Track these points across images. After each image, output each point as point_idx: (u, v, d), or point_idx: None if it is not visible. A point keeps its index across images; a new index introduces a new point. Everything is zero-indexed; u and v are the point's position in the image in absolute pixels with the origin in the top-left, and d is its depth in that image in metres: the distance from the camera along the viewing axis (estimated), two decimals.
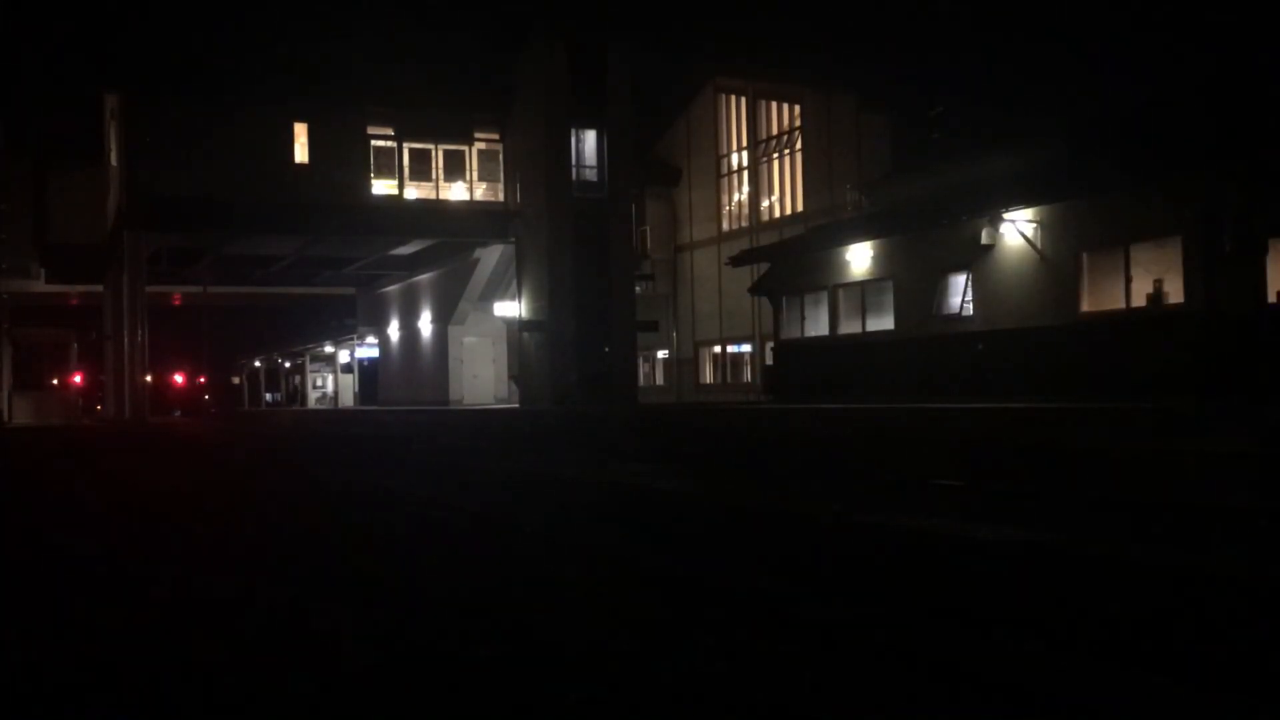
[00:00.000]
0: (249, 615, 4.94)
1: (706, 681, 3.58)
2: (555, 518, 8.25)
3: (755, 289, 32.52)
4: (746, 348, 39.81)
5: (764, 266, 32.09)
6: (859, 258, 27.17)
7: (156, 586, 5.75)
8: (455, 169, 38.45)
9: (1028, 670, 3.69)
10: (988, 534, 6.37)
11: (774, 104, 38.99)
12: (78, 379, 52.46)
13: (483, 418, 30.76)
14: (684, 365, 43.18)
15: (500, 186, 38.58)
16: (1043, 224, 22.27)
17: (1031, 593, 5.03)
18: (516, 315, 37.79)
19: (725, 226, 41.05)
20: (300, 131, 36.44)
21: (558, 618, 4.60)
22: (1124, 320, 20.47)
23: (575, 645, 4.10)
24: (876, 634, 4.16)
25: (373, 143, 37.24)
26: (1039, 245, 22.28)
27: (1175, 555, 5.63)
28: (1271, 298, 18.92)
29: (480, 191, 38.76)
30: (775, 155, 38.85)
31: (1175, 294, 19.75)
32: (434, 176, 38.20)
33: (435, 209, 38.00)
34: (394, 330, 49.60)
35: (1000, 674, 3.65)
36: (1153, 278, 20.28)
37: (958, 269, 24.26)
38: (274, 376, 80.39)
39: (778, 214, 38.60)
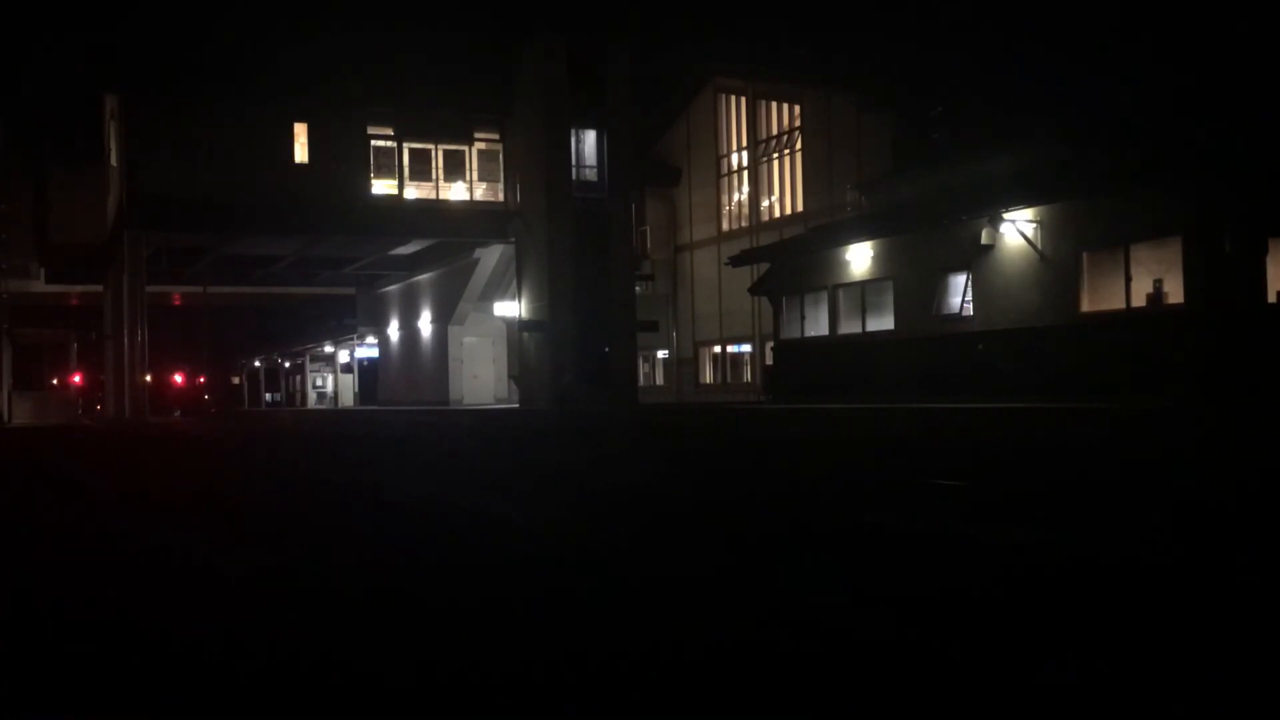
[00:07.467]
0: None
1: None
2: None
3: (755, 289, 32.53)
4: (746, 348, 39.81)
5: (764, 266, 32.09)
6: (859, 258, 27.17)
7: None
8: (455, 169, 38.45)
9: None
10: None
11: (774, 104, 38.99)
12: (78, 379, 52.55)
13: (482, 418, 30.76)
14: (684, 365, 43.18)
15: (500, 186, 38.58)
16: (1043, 224, 22.27)
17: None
18: (516, 315, 37.79)
19: (725, 226, 41.05)
20: (300, 131, 36.46)
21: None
22: (1124, 320, 20.48)
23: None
24: None
25: (373, 143, 37.24)
26: (1039, 245, 22.29)
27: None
28: (1271, 298, 18.94)
29: (480, 191, 38.76)
30: (775, 155, 38.85)
31: (1175, 294, 19.75)
32: (434, 176, 38.20)
33: (435, 209, 38.01)
34: (394, 330, 49.61)
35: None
36: (1153, 278, 20.30)
37: (958, 269, 24.27)
38: (274, 376, 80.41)
39: (778, 214, 38.60)
